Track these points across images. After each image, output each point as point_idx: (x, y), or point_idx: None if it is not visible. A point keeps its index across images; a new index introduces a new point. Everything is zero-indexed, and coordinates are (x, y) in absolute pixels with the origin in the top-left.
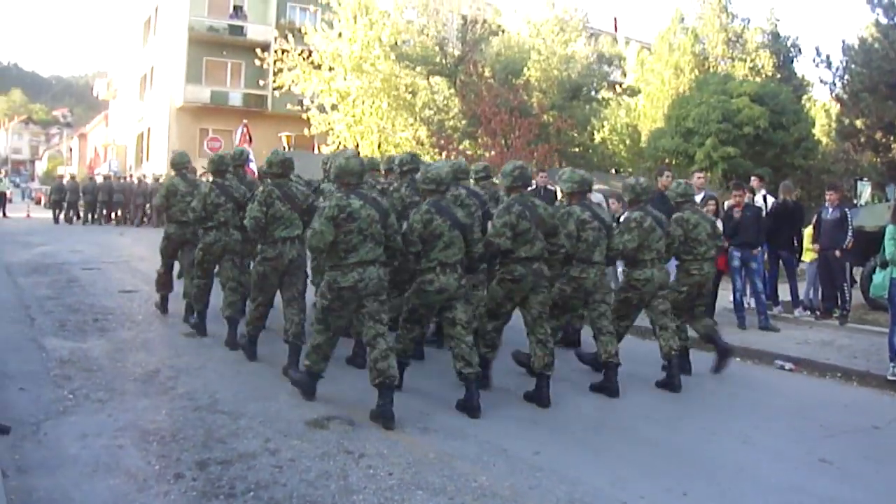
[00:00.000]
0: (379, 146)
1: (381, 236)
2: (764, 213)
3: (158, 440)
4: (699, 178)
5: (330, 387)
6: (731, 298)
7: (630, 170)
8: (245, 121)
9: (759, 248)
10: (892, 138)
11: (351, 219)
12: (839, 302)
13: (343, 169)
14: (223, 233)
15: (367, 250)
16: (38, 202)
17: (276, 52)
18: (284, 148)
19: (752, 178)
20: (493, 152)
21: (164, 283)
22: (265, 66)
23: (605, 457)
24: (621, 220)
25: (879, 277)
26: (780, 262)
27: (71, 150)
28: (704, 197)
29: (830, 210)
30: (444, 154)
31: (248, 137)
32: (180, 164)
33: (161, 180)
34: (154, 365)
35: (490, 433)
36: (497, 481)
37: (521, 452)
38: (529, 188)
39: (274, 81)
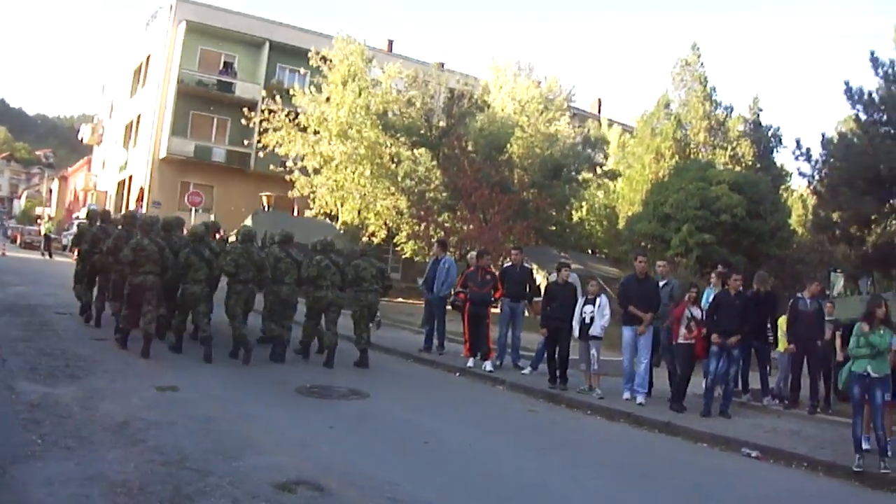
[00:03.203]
0: (359, 213)
1: (158, 260)
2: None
3: (126, 493)
4: (661, 266)
5: (299, 452)
6: (703, 384)
7: (606, 251)
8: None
9: (738, 336)
10: (867, 232)
11: (143, 250)
12: (817, 392)
13: (144, 222)
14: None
15: (149, 267)
16: (15, 241)
17: (262, 111)
18: (264, 207)
19: (718, 266)
20: (471, 226)
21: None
22: (251, 124)
23: None
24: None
25: (847, 370)
26: (753, 350)
27: (51, 191)
28: (668, 283)
29: (809, 301)
30: (422, 225)
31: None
32: (94, 217)
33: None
34: (124, 416)
35: None
36: None
37: None
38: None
39: (259, 141)
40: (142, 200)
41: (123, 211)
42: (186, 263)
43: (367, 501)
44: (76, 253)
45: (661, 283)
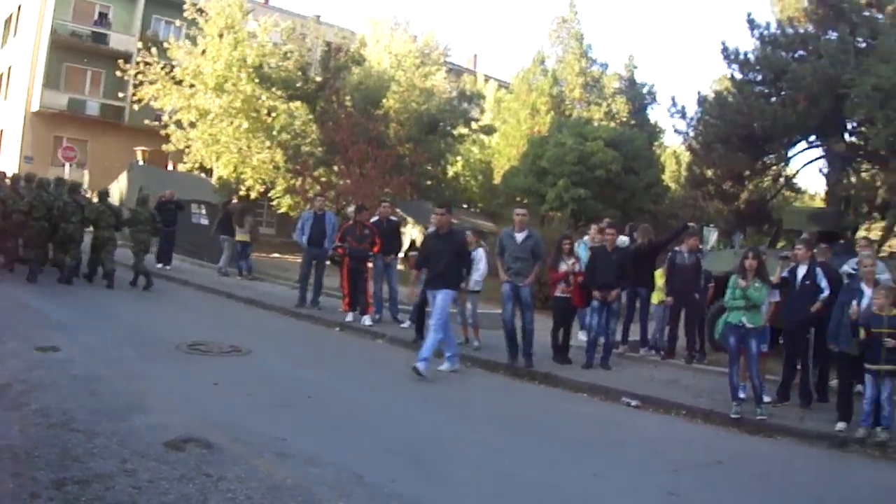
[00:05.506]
0: (235, 168)
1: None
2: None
3: (12, 457)
4: (519, 214)
5: (185, 410)
6: (580, 336)
7: (481, 205)
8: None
9: (618, 290)
10: (740, 189)
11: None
12: (694, 342)
13: (57, 183)
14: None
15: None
16: None
17: (137, 63)
18: (138, 162)
19: (606, 220)
20: (348, 181)
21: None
22: (126, 77)
23: (460, 488)
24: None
25: (722, 322)
26: (637, 300)
27: None
28: (531, 237)
29: (686, 255)
30: (299, 180)
31: None
32: None
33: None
34: (6, 379)
35: (347, 460)
36: None
37: (379, 480)
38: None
39: (133, 94)
40: None
41: None
42: (39, 205)
43: (257, 457)
44: None
45: (523, 237)
